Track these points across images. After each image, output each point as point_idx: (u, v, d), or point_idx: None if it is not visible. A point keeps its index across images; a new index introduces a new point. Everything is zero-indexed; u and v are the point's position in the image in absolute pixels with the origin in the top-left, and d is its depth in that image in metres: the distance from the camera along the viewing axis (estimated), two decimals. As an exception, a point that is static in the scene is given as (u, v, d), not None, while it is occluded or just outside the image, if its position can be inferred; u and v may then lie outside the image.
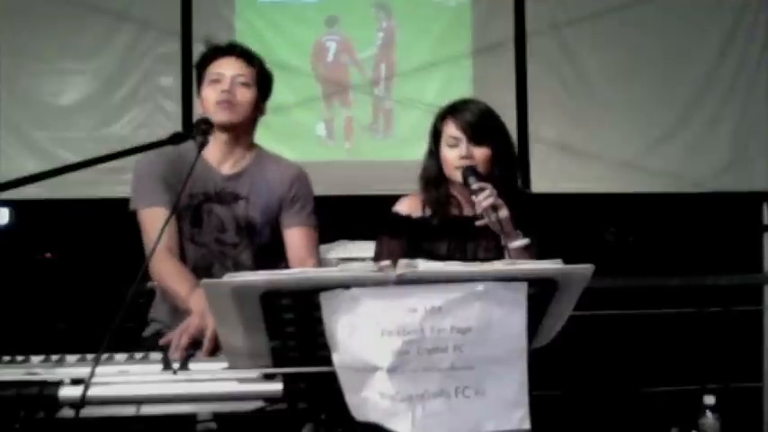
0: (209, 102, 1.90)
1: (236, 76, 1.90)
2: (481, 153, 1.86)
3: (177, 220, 1.89)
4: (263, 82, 1.97)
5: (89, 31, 3.58)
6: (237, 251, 1.93)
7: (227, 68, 1.91)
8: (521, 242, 1.78)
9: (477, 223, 1.78)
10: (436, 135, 1.94)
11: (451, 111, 1.92)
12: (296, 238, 1.96)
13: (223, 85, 1.89)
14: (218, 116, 1.86)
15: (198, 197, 1.92)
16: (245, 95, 1.91)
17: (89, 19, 3.56)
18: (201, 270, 1.87)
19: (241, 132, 1.95)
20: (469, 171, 1.82)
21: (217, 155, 1.94)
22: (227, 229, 1.93)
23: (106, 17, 3.57)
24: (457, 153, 1.86)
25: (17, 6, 3.54)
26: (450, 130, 1.88)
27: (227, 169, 1.96)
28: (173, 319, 1.85)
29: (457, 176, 1.86)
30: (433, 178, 1.94)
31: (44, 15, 3.55)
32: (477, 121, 1.87)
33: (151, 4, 3.62)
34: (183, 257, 1.89)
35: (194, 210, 1.92)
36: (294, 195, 1.97)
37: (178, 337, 1.48)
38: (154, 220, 1.81)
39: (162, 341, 1.51)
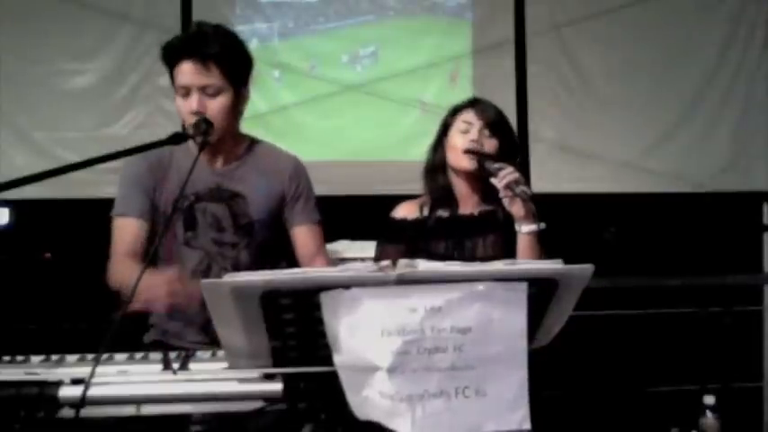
0: (183, 118, 1.79)
1: (203, 88, 1.74)
2: (491, 144, 1.88)
3: (168, 228, 1.80)
4: (235, 72, 1.78)
5: (89, 31, 3.57)
6: (236, 251, 1.85)
7: (191, 78, 1.74)
8: (541, 225, 1.79)
9: (501, 195, 1.79)
10: (445, 127, 1.97)
11: (470, 103, 1.96)
12: (303, 236, 1.92)
13: (191, 102, 1.74)
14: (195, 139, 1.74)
15: (188, 198, 1.83)
16: (217, 105, 1.75)
17: (89, 19, 3.56)
18: (200, 273, 1.81)
19: (224, 133, 1.82)
20: (485, 157, 1.84)
21: (204, 152, 1.79)
22: (224, 229, 1.85)
23: (106, 17, 3.57)
24: (468, 137, 1.88)
25: (17, 7, 3.54)
26: (466, 116, 1.92)
27: (218, 165, 1.88)
28: (172, 324, 1.85)
29: (462, 163, 1.88)
30: (438, 167, 1.96)
31: (44, 15, 3.54)
32: (495, 113, 1.92)
33: (151, 4, 3.61)
34: (178, 266, 1.79)
35: (186, 212, 1.84)
36: (295, 192, 1.91)
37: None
38: (120, 230, 1.80)
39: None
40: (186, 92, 1.76)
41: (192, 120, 1.74)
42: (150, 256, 1.59)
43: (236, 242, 1.86)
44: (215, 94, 1.76)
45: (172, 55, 1.77)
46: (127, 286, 1.67)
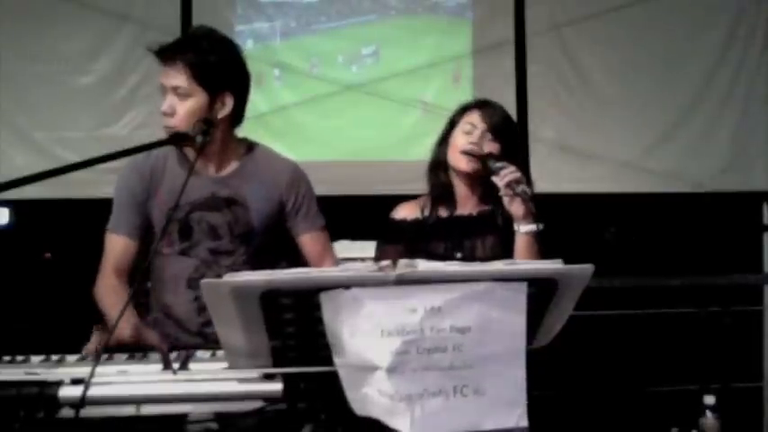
0: None
1: (174, 88, 1.74)
2: (493, 147, 1.89)
3: (162, 239, 1.79)
4: (207, 76, 1.74)
5: (89, 31, 3.58)
6: (233, 259, 1.83)
7: (163, 78, 1.76)
8: (540, 226, 1.80)
9: (501, 193, 1.79)
10: (452, 125, 1.97)
11: (478, 104, 1.96)
12: (309, 243, 1.92)
13: (166, 101, 1.76)
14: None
15: (184, 208, 1.80)
16: (184, 108, 1.74)
17: (89, 19, 3.56)
18: (195, 282, 1.78)
19: (214, 137, 1.78)
20: (489, 156, 1.85)
21: (198, 159, 1.75)
22: (221, 237, 1.83)
23: (106, 17, 3.57)
24: (469, 139, 1.89)
25: (17, 7, 3.54)
26: (472, 118, 1.92)
27: (213, 172, 1.84)
28: (165, 326, 1.85)
29: (460, 164, 1.89)
30: (441, 164, 1.97)
31: (44, 15, 3.55)
32: (501, 117, 1.93)
33: (151, 4, 3.62)
34: (173, 274, 1.83)
35: (182, 222, 1.81)
36: (296, 201, 1.88)
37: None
38: (110, 246, 1.84)
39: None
40: (164, 92, 1.77)
41: (165, 121, 1.76)
42: (141, 273, 1.67)
43: (233, 250, 1.84)
44: (184, 97, 1.75)
45: (157, 55, 1.79)
46: (105, 310, 1.79)
